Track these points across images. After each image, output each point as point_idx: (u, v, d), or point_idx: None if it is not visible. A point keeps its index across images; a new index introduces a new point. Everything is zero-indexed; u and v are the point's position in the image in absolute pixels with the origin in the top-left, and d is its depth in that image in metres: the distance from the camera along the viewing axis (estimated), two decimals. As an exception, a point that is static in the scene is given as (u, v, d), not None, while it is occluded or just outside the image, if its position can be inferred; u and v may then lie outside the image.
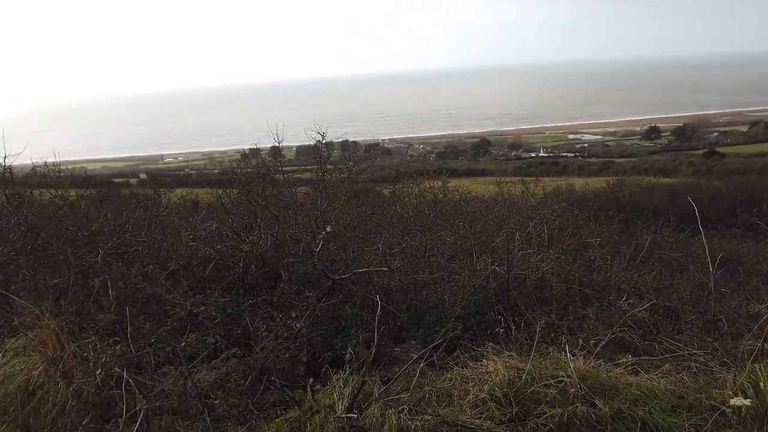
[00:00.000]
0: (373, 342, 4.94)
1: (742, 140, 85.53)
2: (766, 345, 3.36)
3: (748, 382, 2.94)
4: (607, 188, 19.60)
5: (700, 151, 68.83)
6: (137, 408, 2.88)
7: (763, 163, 46.56)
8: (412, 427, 2.58)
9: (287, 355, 3.90)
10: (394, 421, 2.57)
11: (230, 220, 6.27)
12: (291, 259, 5.86)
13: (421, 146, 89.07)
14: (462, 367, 3.58)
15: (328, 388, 3.13)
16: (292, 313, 4.98)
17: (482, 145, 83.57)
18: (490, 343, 3.89)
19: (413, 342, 4.88)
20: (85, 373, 3.18)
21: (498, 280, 5.48)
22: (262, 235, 6.05)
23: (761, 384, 2.91)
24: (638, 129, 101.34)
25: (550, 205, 8.49)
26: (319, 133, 5.65)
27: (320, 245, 5.42)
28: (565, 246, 7.21)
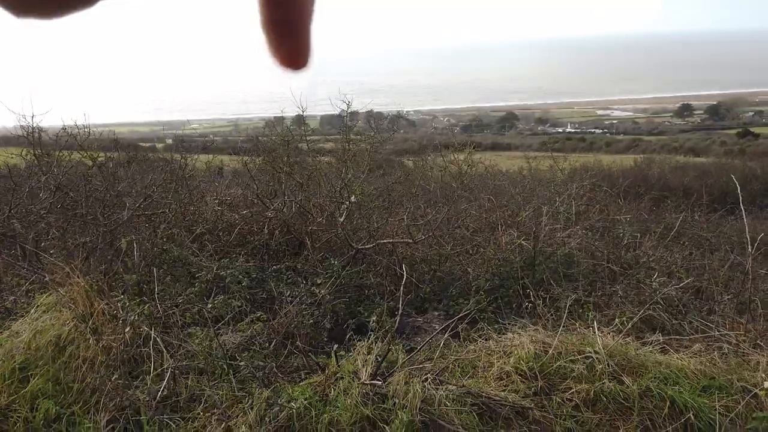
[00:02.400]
0: (398, 311, 4.97)
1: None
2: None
3: (782, 365, 2.85)
4: (635, 166, 19.12)
5: (734, 131, 66.70)
6: (165, 366, 2.91)
7: (799, 144, 44.89)
8: (437, 396, 2.57)
9: (311, 321, 3.90)
10: (419, 390, 2.56)
11: (255, 186, 6.26)
12: (315, 227, 5.86)
13: (446, 119, 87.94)
14: (486, 339, 3.55)
15: (352, 355, 3.13)
16: (316, 279, 5.00)
17: (508, 119, 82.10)
18: (515, 316, 3.84)
19: (436, 313, 4.86)
20: (114, 331, 3.23)
21: (524, 254, 5.41)
22: (287, 202, 6.06)
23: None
24: (670, 106, 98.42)
25: (579, 181, 8.31)
26: (344, 101, 5.56)
27: (344, 215, 5.40)
28: (592, 222, 7.07)
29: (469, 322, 4.65)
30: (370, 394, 2.64)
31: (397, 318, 3.43)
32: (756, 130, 65.93)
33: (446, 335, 3.66)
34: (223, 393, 2.83)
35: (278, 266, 5.47)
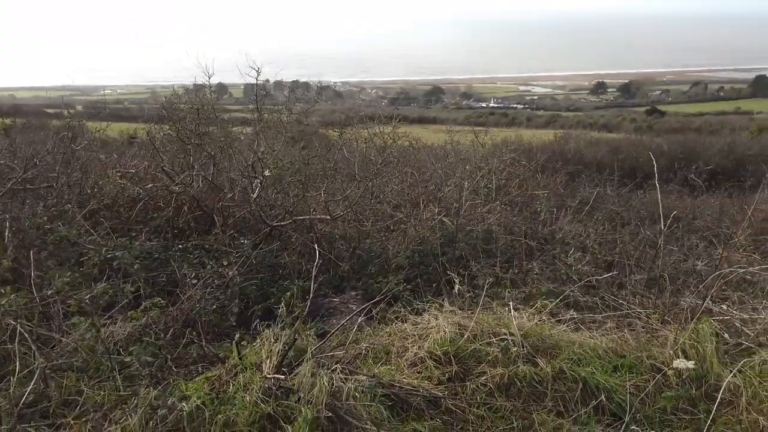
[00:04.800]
0: (310, 293, 4.74)
1: (683, 99, 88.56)
2: (706, 304, 3.34)
3: (689, 341, 2.89)
4: (553, 141, 19.75)
5: (643, 109, 70.79)
6: (35, 365, 2.54)
7: (699, 122, 48.23)
8: (345, 389, 2.38)
9: (214, 306, 3.60)
10: (326, 383, 2.36)
11: (161, 158, 5.75)
12: (226, 203, 5.47)
13: (374, 91, 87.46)
14: (403, 321, 3.40)
15: (257, 344, 2.87)
16: (224, 259, 4.66)
17: (434, 93, 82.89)
18: (432, 298, 3.72)
19: (353, 293, 4.67)
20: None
21: (444, 230, 5.32)
22: (195, 176, 5.61)
23: (699, 345, 2.87)
24: (586, 84, 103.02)
25: (499, 156, 8.35)
26: (254, 68, 5.15)
27: (257, 190, 5.06)
28: (511, 197, 7.12)
29: (388, 302, 4.51)
30: (273, 389, 2.41)
31: (308, 302, 3.19)
32: (663, 107, 70.31)
33: (361, 318, 3.48)
34: (105, 394, 2.50)
35: (184, 245, 5.07)
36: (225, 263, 4.52)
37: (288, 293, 3.47)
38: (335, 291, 5.01)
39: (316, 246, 5.35)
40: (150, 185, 6.06)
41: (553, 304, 3.30)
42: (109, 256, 3.96)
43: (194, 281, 4.29)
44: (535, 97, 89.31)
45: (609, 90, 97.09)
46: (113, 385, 2.58)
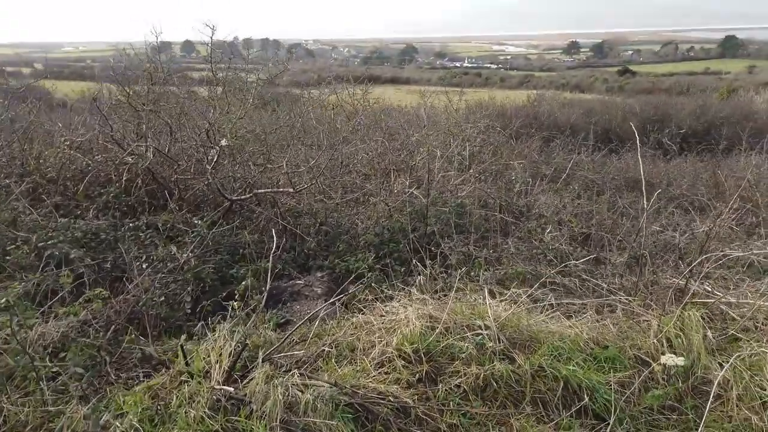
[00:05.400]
0: (277, 275, 4.44)
1: (654, 59, 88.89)
2: (689, 287, 3.16)
3: (674, 330, 2.71)
4: (527, 103, 19.45)
5: (615, 68, 70.87)
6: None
7: (670, 82, 48.52)
8: (303, 399, 2.12)
9: (163, 298, 3.27)
10: (280, 396, 2.09)
11: (110, 126, 5.28)
12: (181, 176, 5.07)
13: (346, 50, 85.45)
14: (371, 310, 3.13)
15: (208, 341, 2.57)
16: (178, 240, 4.31)
17: (408, 52, 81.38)
18: (402, 285, 3.46)
19: (319, 274, 4.39)
20: None
21: (416, 204, 5.04)
22: (148, 146, 5.17)
23: (685, 335, 2.69)
24: (559, 43, 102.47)
25: (474, 122, 8.04)
26: (207, 26, 4.67)
27: (213, 161, 4.67)
28: (485, 166, 6.85)
29: (356, 282, 4.25)
30: (222, 401, 2.14)
31: (264, 294, 2.90)
32: (634, 68, 70.55)
33: (325, 307, 3.20)
34: (29, 410, 2.19)
35: (136, 223, 4.68)
36: (179, 242, 4.18)
37: (243, 283, 3.17)
38: (300, 270, 4.72)
39: (279, 220, 5.08)
40: (99, 156, 5.62)
41: (528, 294, 3.07)
42: (41, 244, 3.56)
43: (144, 265, 3.96)
44: (509, 57, 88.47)
45: (582, 50, 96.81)
46: (40, 399, 2.27)
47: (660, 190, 5.82)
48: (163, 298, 3.27)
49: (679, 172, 9.36)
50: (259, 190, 4.81)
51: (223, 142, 4.59)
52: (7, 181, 4.84)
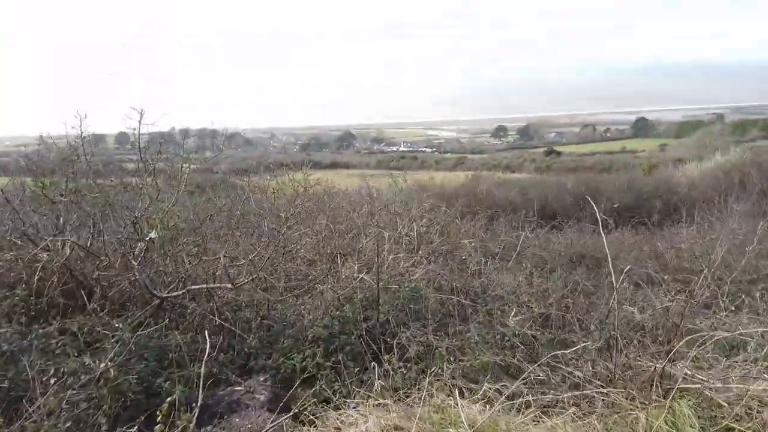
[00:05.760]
0: (214, 380, 3.90)
1: (575, 140, 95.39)
2: (671, 372, 2.93)
3: (667, 425, 2.43)
4: (466, 183, 19.97)
5: (541, 149, 75.31)
6: None
7: (592, 161, 51.82)
8: None
9: (67, 424, 2.70)
10: None
11: (21, 220, 4.72)
12: (105, 273, 4.53)
13: (285, 137, 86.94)
14: (324, 421, 2.69)
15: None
16: (97, 345, 3.73)
17: (346, 138, 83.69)
18: (357, 385, 3.05)
19: (261, 378, 3.89)
20: None
21: (366, 290, 4.69)
22: (65, 240, 4.62)
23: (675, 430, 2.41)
24: (488, 127, 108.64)
25: (418, 201, 7.93)
26: (135, 109, 4.36)
27: (141, 255, 4.19)
28: (434, 247, 6.66)
29: (305, 385, 3.78)
30: None
31: (196, 410, 2.42)
32: (558, 148, 75.26)
33: (268, 423, 2.73)
34: None
35: (46, 329, 4.06)
36: (93, 353, 3.60)
37: (167, 400, 2.67)
38: (240, 373, 4.19)
39: (215, 317, 4.57)
40: (8, 254, 4.99)
41: (501, 391, 2.74)
42: None
43: (52, 380, 3.35)
44: (442, 141, 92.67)
45: (510, 133, 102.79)
46: None
47: (626, 267, 5.80)
48: (69, 424, 2.69)
49: (620, 245, 9.54)
50: (193, 286, 4.34)
51: (152, 234, 4.15)
52: None
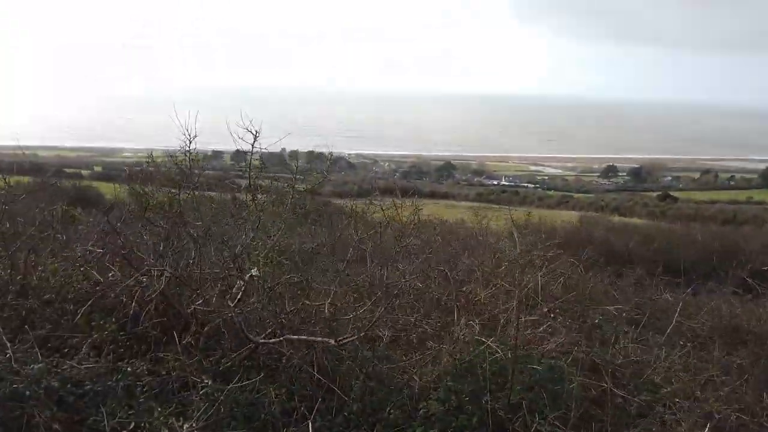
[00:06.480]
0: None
1: (693, 186, 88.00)
2: None
3: None
4: (579, 225, 18.47)
5: (654, 194, 70.07)
6: None
7: (714, 210, 47.09)
8: None
9: None
10: None
11: (120, 238, 4.44)
12: (200, 307, 4.09)
13: (387, 164, 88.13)
14: None
15: None
16: (178, 403, 3.23)
17: (446, 168, 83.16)
18: None
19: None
20: None
21: (491, 360, 3.88)
22: (166, 269, 4.24)
23: None
24: (596, 167, 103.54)
25: (541, 247, 6.95)
26: (248, 130, 3.93)
27: (240, 294, 3.71)
28: (562, 304, 5.70)
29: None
30: None
31: None
32: (674, 193, 69.66)
33: None
34: None
35: (136, 365, 3.65)
36: (180, 409, 3.10)
37: None
38: (339, 446, 3.54)
39: (313, 371, 3.97)
40: (112, 275, 4.73)
41: None
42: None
43: (130, 438, 2.88)
44: (546, 177, 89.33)
45: (620, 174, 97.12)
46: None
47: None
48: None
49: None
50: (292, 336, 3.77)
51: (254, 272, 3.65)
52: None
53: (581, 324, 5.24)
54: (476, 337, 4.13)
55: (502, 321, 4.36)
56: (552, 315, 5.22)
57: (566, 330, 4.71)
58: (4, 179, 5.38)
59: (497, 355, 3.82)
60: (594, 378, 3.95)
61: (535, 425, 3.27)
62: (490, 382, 3.64)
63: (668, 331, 5.07)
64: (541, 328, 4.44)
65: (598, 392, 3.71)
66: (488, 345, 3.85)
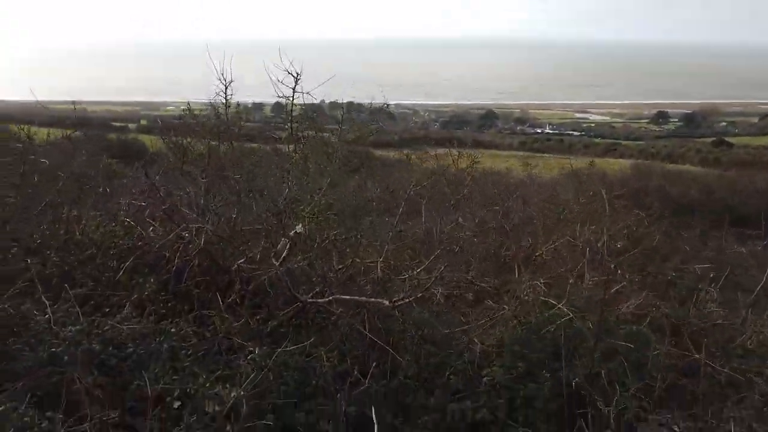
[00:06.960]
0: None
1: (752, 131, 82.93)
2: None
3: None
4: (634, 174, 17.51)
5: (709, 140, 66.44)
6: None
7: (773, 156, 44.23)
8: None
9: None
10: None
11: (160, 192, 4.19)
12: (244, 264, 3.83)
13: (426, 114, 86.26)
14: None
15: None
16: (226, 369, 3.00)
17: (488, 116, 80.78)
18: None
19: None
20: None
21: (560, 323, 3.50)
22: (205, 224, 3.98)
23: None
24: (645, 113, 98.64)
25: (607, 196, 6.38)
26: (289, 72, 3.52)
27: (284, 252, 3.42)
28: (630, 261, 5.22)
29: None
30: None
31: None
32: (729, 140, 65.74)
33: None
34: None
35: (181, 326, 3.45)
36: (227, 375, 2.88)
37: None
38: (395, 414, 3.27)
39: (365, 331, 3.70)
40: (152, 230, 4.53)
41: None
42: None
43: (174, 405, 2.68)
44: (592, 125, 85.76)
45: (671, 120, 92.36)
46: None
47: None
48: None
49: None
50: (341, 296, 3.47)
51: (299, 229, 3.34)
52: (27, 261, 3.77)
53: (653, 281, 4.78)
54: (542, 298, 3.74)
55: (570, 280, 3.95)
56: (619, 272, 4.78)
57: (639, 289, 4.27)
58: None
59: (566, 318, 3.44)
60: (676, 344, 3.54)
61: (615, 398, 2.90)
62: (564, 348, 3.28)
63: (757, 289, 4.52)
64: (614, 289, 4.01)
65: (684, 361, 3.30)
66: (559, 308, 3.46)
